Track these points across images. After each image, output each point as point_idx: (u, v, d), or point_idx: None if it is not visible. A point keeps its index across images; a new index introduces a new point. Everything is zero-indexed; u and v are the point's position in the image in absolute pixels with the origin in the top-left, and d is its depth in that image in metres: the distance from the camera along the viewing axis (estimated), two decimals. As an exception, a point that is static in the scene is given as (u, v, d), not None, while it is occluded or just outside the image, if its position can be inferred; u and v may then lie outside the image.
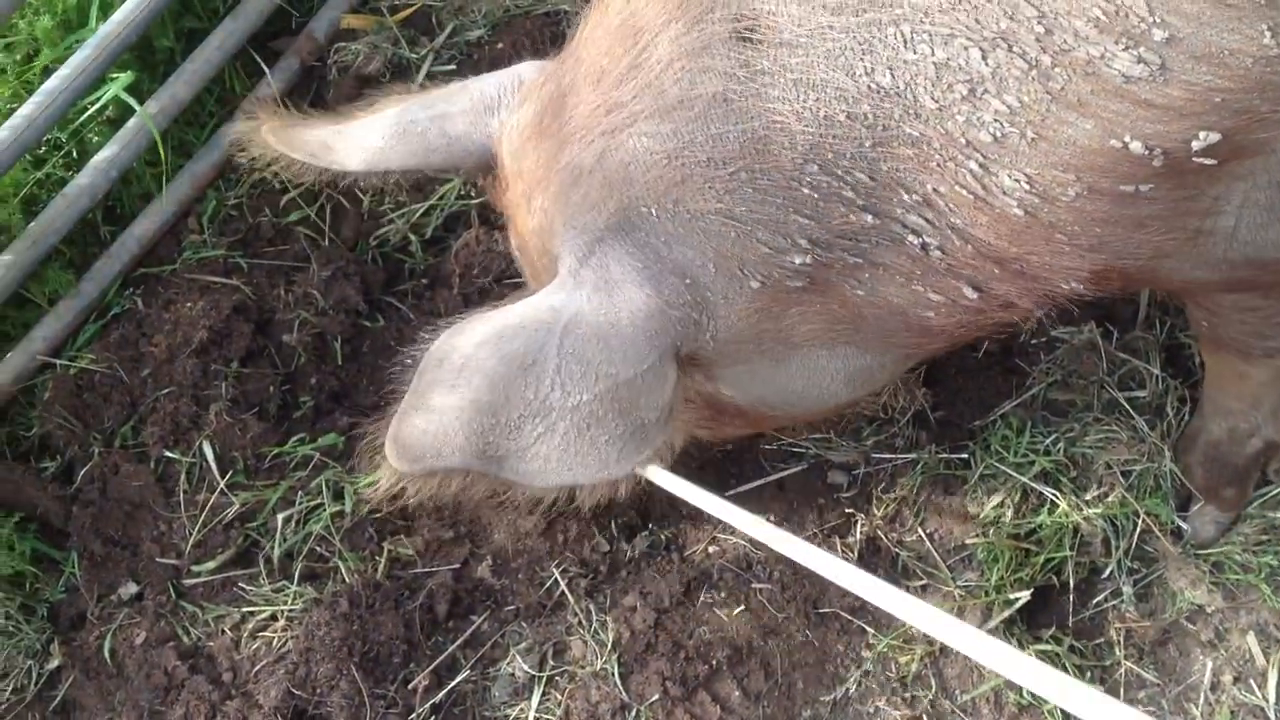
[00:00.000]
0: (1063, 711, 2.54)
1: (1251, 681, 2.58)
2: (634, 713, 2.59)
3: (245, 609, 2.76)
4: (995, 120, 1.74)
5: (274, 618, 2.74)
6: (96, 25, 2.97)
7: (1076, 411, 2.76)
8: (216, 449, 2.87)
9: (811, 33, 1.79)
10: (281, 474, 2.88)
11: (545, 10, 3.40)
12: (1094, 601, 2.65)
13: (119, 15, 2.91)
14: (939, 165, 1.80)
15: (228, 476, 2.85)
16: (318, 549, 2.80)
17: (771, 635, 2.67)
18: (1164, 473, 2.67)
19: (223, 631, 2.75)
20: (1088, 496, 2.64)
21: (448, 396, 1.93)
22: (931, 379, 2.85)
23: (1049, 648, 2.55)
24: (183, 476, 2.86)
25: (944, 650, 2.64)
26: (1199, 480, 2.65)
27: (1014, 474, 2.68)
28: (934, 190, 1.83)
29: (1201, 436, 2.63)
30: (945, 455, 2.76)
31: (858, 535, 2.72)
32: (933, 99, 1.75)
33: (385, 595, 2.71)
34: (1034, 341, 2.86)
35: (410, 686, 2.65)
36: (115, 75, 3.03)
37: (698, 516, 2.80)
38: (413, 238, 3.15)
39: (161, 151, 3.07)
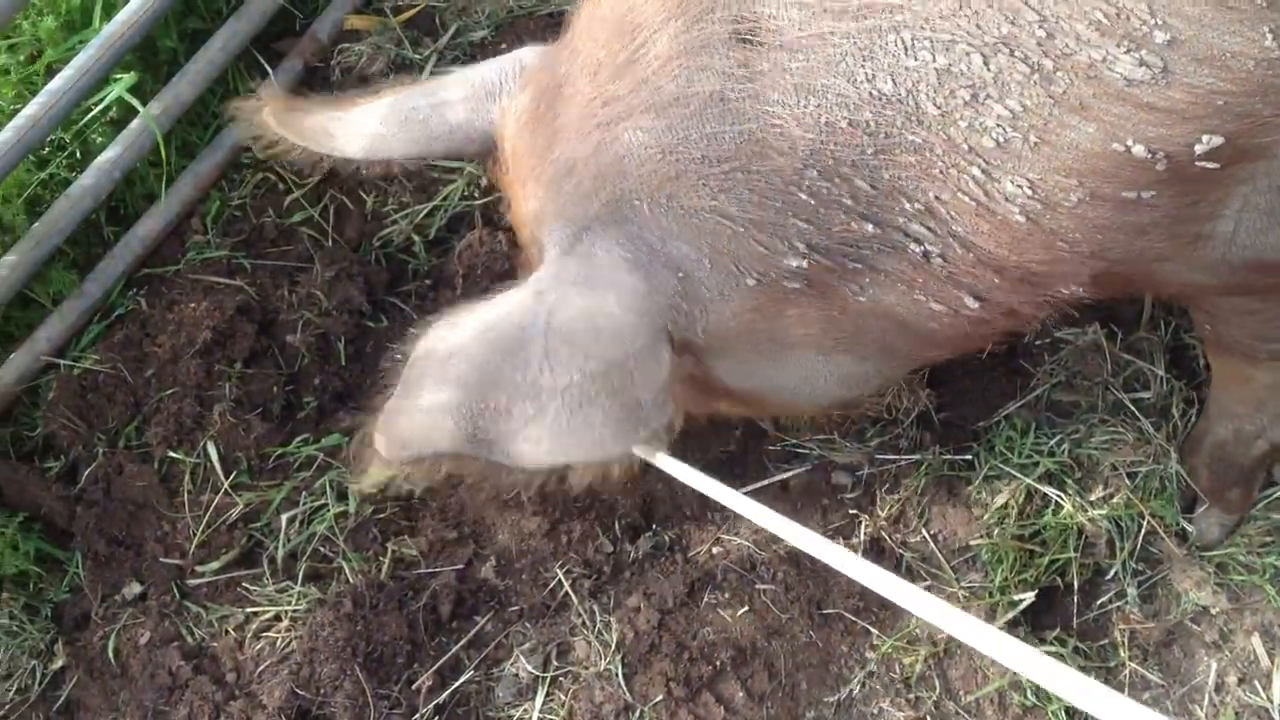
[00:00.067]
0: (1067, 711, 2.54)
1: (1256, 683, 2.58)
2: (638, 713, 2.59)
3: (249, 609, 2.76)
4: (998, 125, 1.74)
5: (278, 618, 2.74)
6: (100, 26, 2.97)
7: (1081, 413, 2.76)
8: (220, 449, 2.87)
9: (813, 37, 1.78)
10: (285, 474, 2.88)
11: (548, 11, 3.40)
12: (1098, 603, 2.65)
13: (122, 16, 2.91)
14: (941, 172, 1.80)
15: (231, 477, 2.85)
16: (321, 549, 2.80)
17: (775, 636, 2.67)
18: (1169, 474, 2.67)
19: (227, 632, 2.75)
20: (1092, 498, 2.64)
21: (436, 387, 1.93)
22: (936, 380, 2.85)
23: (1053, 649, 2.55)
24: (187, 477, 2.86)
25: (948, 651, 2.64)
26: (1204, 482, 2.65)
27: (1018, 475, 2.67)
28: (936, 198, 1.83)
29: (1207, 438, 2.63)
30: (949, 456, 2.75)
31: (862, 536, 2.72)
32: (935, 105, 1.75)
33: (389, 595, 2.71)
34: (1038, 343, 2.86)
35: (414, 687, 2.65)
36: (119, 76, 3.03)
37: (701, 517, 2.80)
38: (416, 238, 3.15)
39: (164, 152, 3.07)
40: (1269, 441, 2.58)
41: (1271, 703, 2.55)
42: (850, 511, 2.76)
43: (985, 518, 2.67)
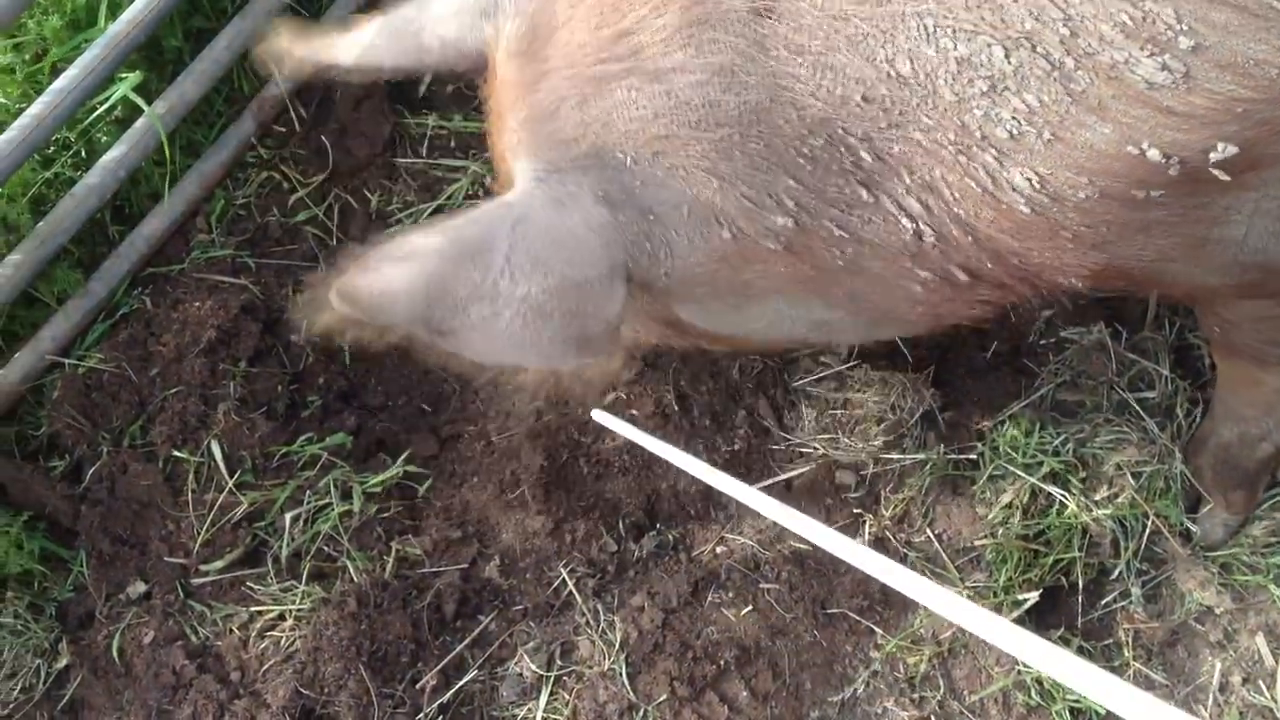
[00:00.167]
0: (1071, 711, 2.54)
1: (1260, 682, 2.58)
2: (642, 713, 2.59)
3: (253, 608, 2.76)
4: (1013, 118, 1.74)
5: (282, 617, 2.74)
6: (105, 25, 2.96)
7: (1086, 412, 2.75)
8: (225, 448, 2.87)
9: (834, 17, 1.79)
10: (289, 473, 2.88)
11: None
12: (1103, 602, 2.65)
13: (127, 15, 2.90)
14: (951, 155, 1.81)
15: (236, 476, 2.86)
16: (326, 548, 2.80)
17: (779, 635, 2.67)
18: (1173, 474, 2.67)
19: (231, 631, 2.75)
20: (1097, 497, 2.64)
21: (398, 266, 1.93)
22: (940, 380, 2.85)
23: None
24: (191, 476, 2.86)
25: (952, 651, 2.64)
26: (1209, 483, 2.65)
27: (1023, 475, 2.67)
28: (942, 178, 1.84)
29: (1212, 439, 2.63)
30: (954, 456, 2.75)
31: (866, 536, 2.72)
32: (952, 92, 1.76)
33: (393, 595, 2.71)
34: (1043, 342, 2.86)
35: (418, 686, 2.65)
36: (124, 75, 3.02)
37: (705, 516, 2.80)
38: (421, 237, 3.15)
39: (169, 151, 3.07)
40: (1274, 445, 2.57)
41: (1276, 702, 2.55)
42: (854, 511, 2.76)
43: (990, 517, 2.67)
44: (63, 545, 2.89)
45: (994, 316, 2.14)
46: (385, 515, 2.82)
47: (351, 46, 2.25)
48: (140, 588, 2.81)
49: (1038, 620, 2.60)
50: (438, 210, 3.16)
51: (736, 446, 2.83)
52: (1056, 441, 2.70)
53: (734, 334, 2.24)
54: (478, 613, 2.74)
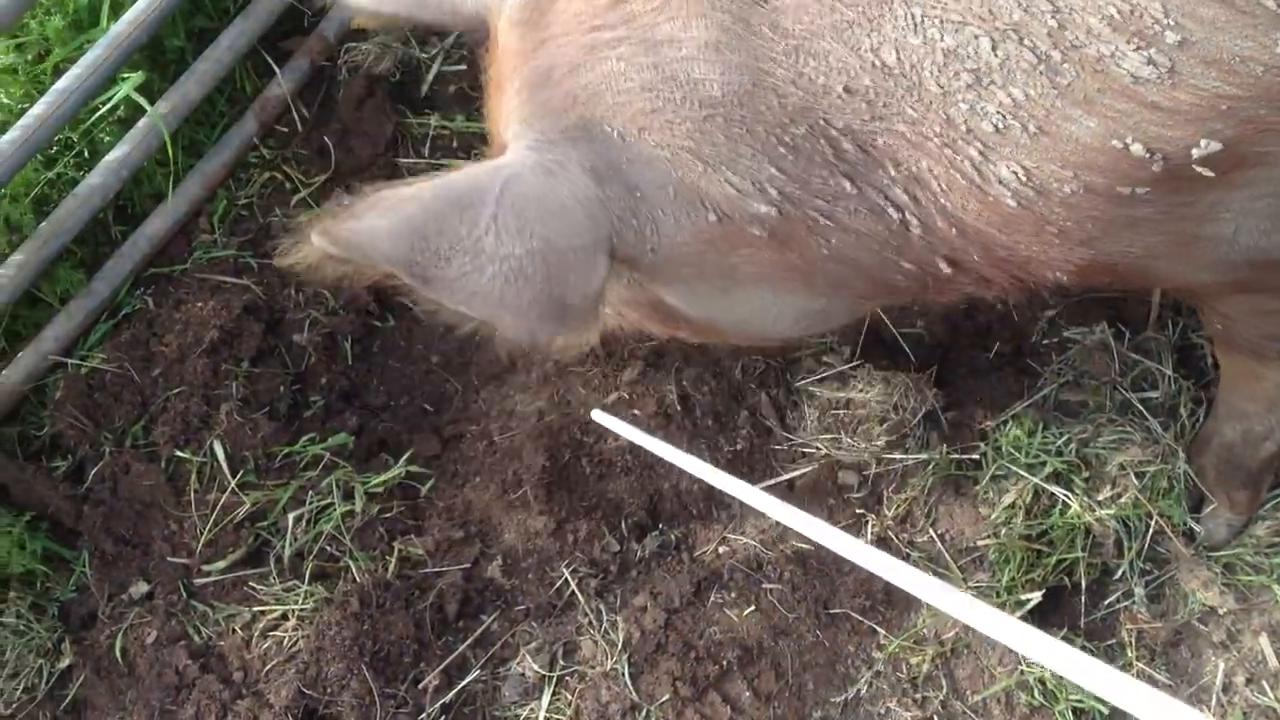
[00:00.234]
0: (1074, 711, 2.54)
1: (1264, 683, 2.57)
2: (644, 713, 2.59)
3: (256, 608, 2.76)
4: (999, 111, 1.74)
5: (285, 617, 2.74)
6: (107, 25, 2.97)
7: (1089, 412, 2.75)
8: (227, 448, 2.88)
9: (819, 3, 1.79)
10: (292, 473, 2.89)
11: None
12: (1106, 602, 2.65)
13: (130, 15, 2.91)
14: (936, 148, 1.81)
15: (238, 476, 2.86)
16: (328, 548, 2.80)
17: (782, 636, 2.67)
18: (1177, 474, 2.66)
19: (233, 631, 2.75)
20: (1100, 497, 2.64)
21: (384, 213, 1.93)
22: (943, 379, 2.85)
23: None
24: (193, 476, 2.86)
25: (955, 651, 2.63)
26: (1212, 482, 2.65)
27: (1026, 475, 2.67)
28: (929, 170, 1.83)
29: (1215, 439, 2.63)
30: (956, 456, 2.75)
31: (868, 536, 2.71)
32: (938, 84, 1.75)
33: (395, 595, 2.71)
34: (1046, 342, 2.86)
35: (420, 686, 2.65)
36: (126, 75, 3.03)
37: (708, 516, 2.80)
38: (423, 237, 3.15)
39: (172, 151, 3.07)
40: (1277, 443, 2.57)
41: (1279, 703, 2.54)
42: (857, 511, 2.75)
43: (992, 517, 2.67)
44: (65, 545, 2.89)
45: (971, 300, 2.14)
46: (387, 515, 2.82)
47: None
48: (143, 588, 2.81)
49: (1041, 620, 2.60)
50: (440, 210, 3.15)
51: (739, 446, 2.83)
52: (1059, 441, 2.70)
53: (719, 322, 2.23)
54: (480, 613, 2.74)
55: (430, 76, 3.35)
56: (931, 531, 2.72)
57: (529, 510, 2.79)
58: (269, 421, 2.90)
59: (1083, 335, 2.82)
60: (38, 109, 2.78)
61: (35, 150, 2.80)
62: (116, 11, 2.99)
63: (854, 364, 2.84)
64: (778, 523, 2.63)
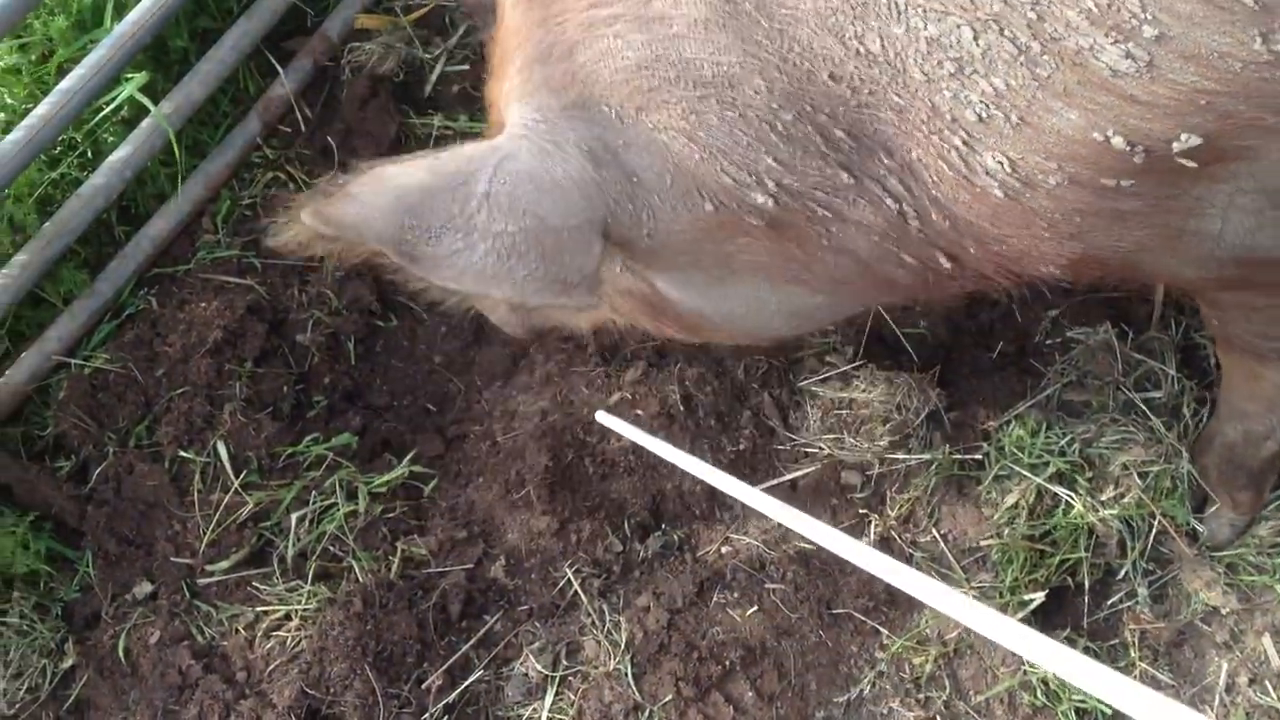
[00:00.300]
0: (1077, 712, 2.53)
1: (1267, 683, 2.57)
2: (647, 713, 2.59)
3: (259, 608, 2.76)
4: (982, 101, 1.74)
5: (288, 617, 2.75)
6: (111, 25, 2.97)
7: (1092, 412, 2.75)
8: (230, 448, 2.88)
9: None
10: (295, 473, 2.89)
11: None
12: (1109, 603, 2.65)
13: (133, 15, 2.91)
14: (924, 137, 1.81)
15: (242, 476, 2.86)
16: (331, 549, 2.80)
17: (785, 636, 2.67)
18: (1180, 474, 2.66)
19: (237, 631, 2.75)
20: (1103, 497, 2.63)
21: (376, 192, 1.94)
22: (946, 379, 2.85)
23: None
24: (197, 476, 2.86)
25: (958, 651, 2.63)
26: (1214, 482, 2.64)
27: (1029, 475, 2.67)
28: (918, 159, 1.84)
29: (1217, 439, 2.62)
30: (960, 456, 2.75)
31: (871, 536, 2.71)
32: (922, 72, 1.76)
33: (399, 595, 2.71)
34: (1049, 342, 2.86)
35: (424, 686, 2.65)
36: (130, 75, 3.03)
37: (711, 516, 2.80)
38: (426, 237, 3.15)
39: (176, 151, 3.07)
40: (1278, 443, 2.57)
41: (1283, 703, 2.54)
42: (860, 511, 2.75)
43: (995, 517, 2.67)
44: (69, 546, 2.89)
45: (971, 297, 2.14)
46: (390, 515, 2.82)
47: None
48: (146, 588, 2.82)
49: (1044, 621, 2.60)
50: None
51: (741, 446, 2.83)
52: (1063, 441, 2.70)
53: (711, 315, 2.22)
54: (483, 613, 2.74)
55: (434, 77, 3.35)
56: (934, 532, 2.72)
57: (532, 510, 2.79)
58: (272, 421, 2.91)
59: (1086, 335, 2.81)
60: (41, 109, 2.79)
61: (39, 150, 2.80)
62: (120, 12, 2.99)
63: (857, 364, 2.84)
64: (780, 523, 2.63)
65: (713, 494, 2.79)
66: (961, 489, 2.74)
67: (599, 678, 2.64)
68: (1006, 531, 2.64)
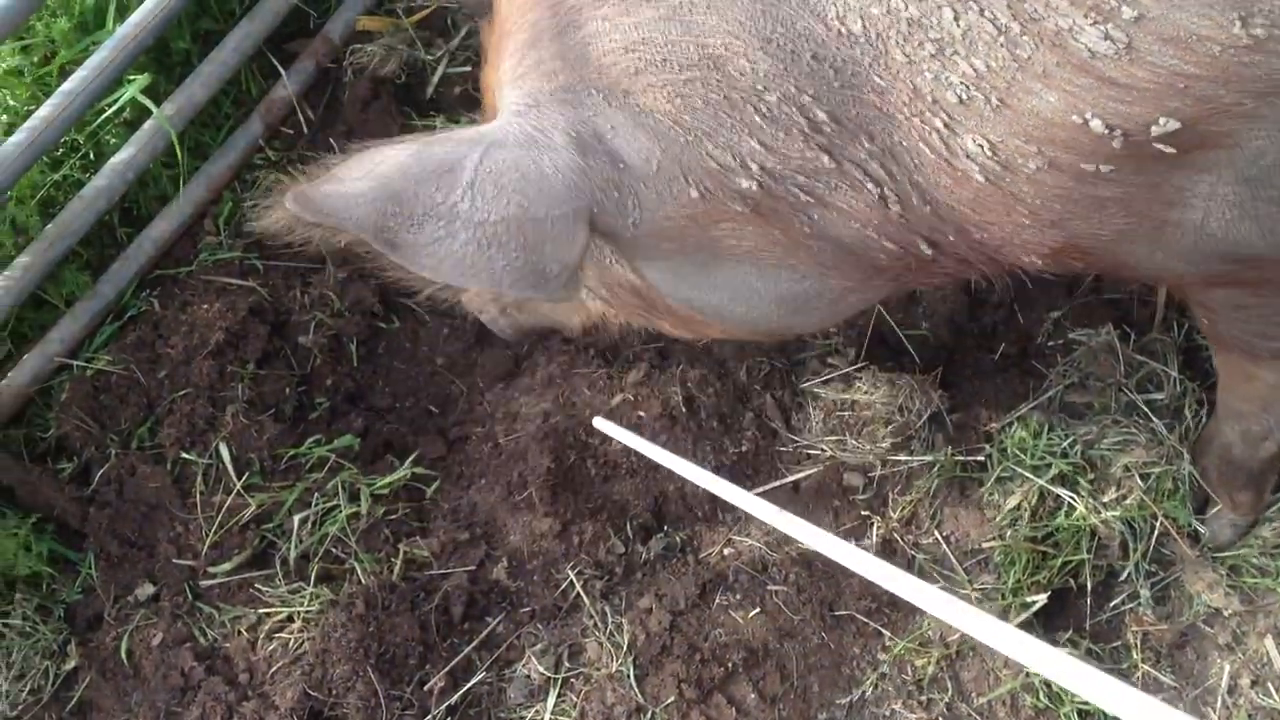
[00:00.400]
0: (1079, 714, 2.53)
1: (1269, 685, 2.57)
2: (649, 715, 2.59)
3: (262, 610, 2.77)
4: (962, 82, 1.74)
5: (290, 619, 2.75)
6: (113, 27, 2.97)
7: (1094, 414, 2.75)
8: (233, 450, 2.88)
9: None
10: (297, 475, 2.89)
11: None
12: (1111, 604, 2.65)
13: (136, 17, 2.91)
14: (905, 119, 1.81)
15: (244, 478, 2.86)
16: (334, 550, 2.80)
17: (787, 638, 2.67)
18: (1182, 475, 2.66)
19: (239, 632, 2.76)
20: (1105, 499, 2.63)
21: (359, 177, 1.94)
22: (948, 381, 2.85)
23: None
24: (199, 478, 2.86)
25: (960, 653, 2.63)
26: (1215, 483, 2.64)
27: (1031, 476, 2.67)
28: (900, 143, 1.84)
29: (1215, 440, 2.62)
30: (962, 457, 2.75)
31: (874, 538, 2.71)
32: (903, 53, 1.76)
33: (401, 597, 2.71)
34: (1051, 344, 2.86)
35: (426, 688, 2.65)
36: (132, 77, 3.03)
37: (713, 518, 2.80)
38: (428, 239, 3.15)
39: (178, 153, 3.07)
40: (1277, 442, 2.56)
41: (1285, 705, 2.54)
42: (862, 513, 2.75)
43: (998, 519, 2.67)
44: (71, 547, 2.89)
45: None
46: (393, 517, 2.82)
47: None
48: (148, 589, 2.82)
49: (1046, 622, 2.60)
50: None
51: (744, 448, 2.83)
52: (1065, 443, 2.70)
53: (702, 306, 2.23)
54: (485, 615, 2.74)
55: (435, 78, 3.35)
56: (936, 533, 2.72)
57: (534, 512, 2.79)
58: (274, 423, 2.91)
59: (1088, 337, 2.81)
60: (43, 111, 2.79)
61: (41, 152, 2.80)
62: (122, 14, 3.00)
63: (859, 366, 2.84)
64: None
65: (715, 496, 2.78)
66: (964, 491, 2.74)
67: (601, 679, 2.64)
68: (1009, 533, 2.64)
